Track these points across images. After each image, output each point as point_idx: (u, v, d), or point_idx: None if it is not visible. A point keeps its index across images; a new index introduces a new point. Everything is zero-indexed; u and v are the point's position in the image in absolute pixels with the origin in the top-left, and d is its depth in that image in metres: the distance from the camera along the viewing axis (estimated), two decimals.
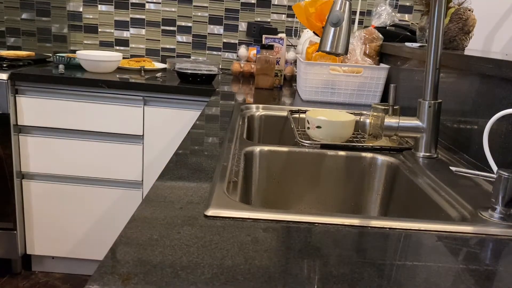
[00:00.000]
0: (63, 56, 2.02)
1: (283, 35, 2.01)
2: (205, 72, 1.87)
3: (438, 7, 0.89)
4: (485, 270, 0.51)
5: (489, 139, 0.76)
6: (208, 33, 2.37)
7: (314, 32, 1.70)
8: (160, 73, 2.05)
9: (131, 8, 2.35)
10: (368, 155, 0.99)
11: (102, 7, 2.35)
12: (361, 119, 1.27)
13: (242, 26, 2.35)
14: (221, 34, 2.37)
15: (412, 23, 1.89)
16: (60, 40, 2.40)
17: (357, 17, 1.87)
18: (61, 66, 1.89)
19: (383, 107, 1.03)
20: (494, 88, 0.90)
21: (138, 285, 0.42)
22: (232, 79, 2.04)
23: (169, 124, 1.81)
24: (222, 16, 2.34)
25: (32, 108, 1.79)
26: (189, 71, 1.86)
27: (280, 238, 0.55)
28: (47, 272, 2.00)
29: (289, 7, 2.32)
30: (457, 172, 0.72)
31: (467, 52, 1.16)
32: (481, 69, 0.93)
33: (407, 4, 2.31)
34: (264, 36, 1.90)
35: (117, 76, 1.88)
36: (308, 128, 1.09)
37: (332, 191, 1.01)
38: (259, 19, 2.35)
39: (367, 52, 1.62)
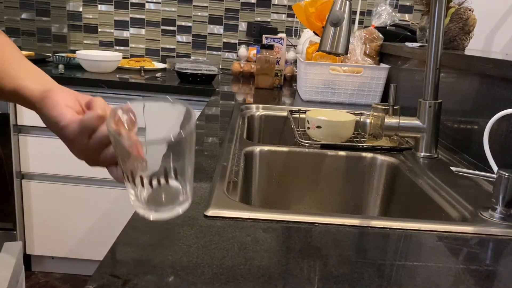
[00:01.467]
0: (63, 56, 2.02)
1: (283, 35, 2.01)
2: (205, 72, 1.87)
3: (439, 7, 0.89)
4: (485, 270, 0.51)
5: (489, 139, 0.76)
6: (208, 33, 2.37)
7: (314, 32, 1.70)
8: (160, 73, 2.05)
9: (131, 8, 2.35)
10: (368, 155, 0.99)
11: (102, 7, 2.35)
12: (361, 119, 1.27)
13: (242, 26, 2.35)
14: (221, 34, 2.37)
15: (412, 23, 1.89)
16: (60, 40, 2.40)
17: (357, 17, 1.87)
18: (60, 66, 1.88)
19: (383, 107, 1.03)
20: (494, 88, 0.90)
21: (138, 285, 0.42)
22: (232, 79, 2.04)
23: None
24: (222, 16, 2.34)
25: None
26: (189, 71, 1.86)
27: (280, 238, 0.55)
28: (46, 272, 2.00)
29: (289, 7, 2.32)
30: (458, 172, 0.72)
31: (467, 52, 1.16)
32: (482, 69, 0.93)
33: (407, 4, 2.31)
34: (264, 36, 1.90)
35: (117, 76, 1.88)
36: (308, 128, 1.09)
37: (332, 191, 1.01)
38: (259, 19, 2.35)
39: (367, 52, 1.62)
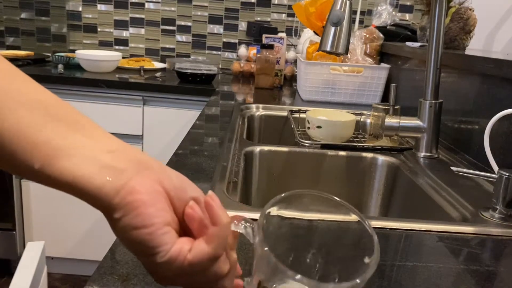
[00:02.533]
0: (62, 56, 2.02)
1: (283, 35, 2.00)
2: (205, 72, 1.87)
3: (439, 6, 0.88)
4: (486, 271, 0.51)
5: (490, 139, 0.76)
6: (208, 33, 2.37)
7: (314, 32, 1.70)
8: (160, 73, 2.05)
9: (130, 8, 2.35)
10: (369, 155, 0.99)
11: (101, 7, 2.35)
12: (362, 119, 1.27)
13: (242, 25, 2.35)
14: (221, 34, 2.37)
15: (412, 23, 1.89)
16: (60, 39, 2.40)
17: (358, 16, 1.87)
18: (60, 66, 1.88)
19: (384, 107, 1.02)
20: (495, 88, 0.90)
21: (137, 285, 0.42)
22: (232, 79, 2.04)
23: (168, 124, 1.81)
24: (222, 15, 2.34)
25: None
26: (189, 71, 1.86)
27: None
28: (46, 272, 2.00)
29: (289, 7, 2.31)
30: (458, 172, 0.72)
31: (468, 51, 1.16)
32: (482, 68, 0.92)
33: (408, 3, 2.31)
34: (264, 35, 1.90)
35: (117, 76, 1.88)
36: (309, 128, 1.09)
37: (333, 191, 1.01)
38: (259, 19, 2.34)
39: (367, 51, 1.62)
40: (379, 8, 1.71)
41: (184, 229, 0.33)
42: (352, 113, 1.17)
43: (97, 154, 0.31)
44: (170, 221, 0.31)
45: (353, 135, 1.11)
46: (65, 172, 0.29)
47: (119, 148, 0.32)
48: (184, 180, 0.34)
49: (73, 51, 2.28)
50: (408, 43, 1.46)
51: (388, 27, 1.74)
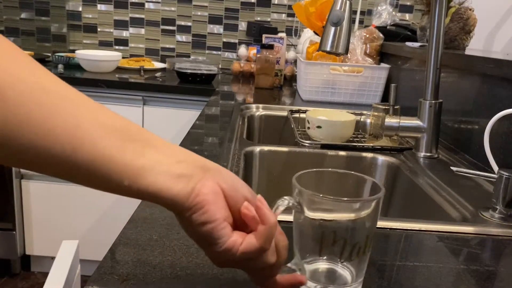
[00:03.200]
0: (62, 56, 2.02)
1: (283, 35, 2.00)
2: (205, 72, 1.87)
3: (439, 6, 0.88)
4: (485, 271, 0.51)
5: (490, 139, 0.76)
6: (208, 33, 2.37)
7: (314, 32, 1.70)
8: (160, 73, 2.05)
9: (130, 8, 2.35)
10: (369, 155, 0.99)
11: (101, 7, 2.35)
12: (362, 119, 1.27)
13: (242, 25, 2.35)
14: (221, 34, 2.37)
15: (412, 23, 1.89)
16: (59, 39, 2.40)
17: (358, 16, 1.87)
18: (60, 66, 1.88)
19: (384, 107, 1.02)
20: (495, 88, 0.90)
21: (137, 285, 0.42)
22: (232, 79, 2.04)
23: (168, 124, 1.81)
24: (222, 15, 2.34)
25: None
26: (189, 71, 1.86)
27: None
28: (46, 272, 1.99)
29: (289, 7, 2.31)
30: (458, 172, 0.72)
31: (467, 51, 1.16)
32: (482, 68, 0.92)
33: (408, 3, 2.31)
34: (264, 35, 1.90)
35: (117, 76, 1.88)
36: (308, 128, 1.09)
37: None
38: (259, 19, 2.34)
39: (367, 51, 1.62)
40: (379, 8, 1.71)
41: (235, 222, 0.39)
42: (352, 113, 1.17)
43: (170, 167, 0.36)
44: (227, 217, 0.37)
45: (353, 135, 1.11)
46: (149, 186, 0.35)
47: (185, 157, 0.38)
48: (235, 179, 0.40)
49: (73, 51, 2.28)
50: (408, 43, 1.46)
51: (388, 27, 1.74)
